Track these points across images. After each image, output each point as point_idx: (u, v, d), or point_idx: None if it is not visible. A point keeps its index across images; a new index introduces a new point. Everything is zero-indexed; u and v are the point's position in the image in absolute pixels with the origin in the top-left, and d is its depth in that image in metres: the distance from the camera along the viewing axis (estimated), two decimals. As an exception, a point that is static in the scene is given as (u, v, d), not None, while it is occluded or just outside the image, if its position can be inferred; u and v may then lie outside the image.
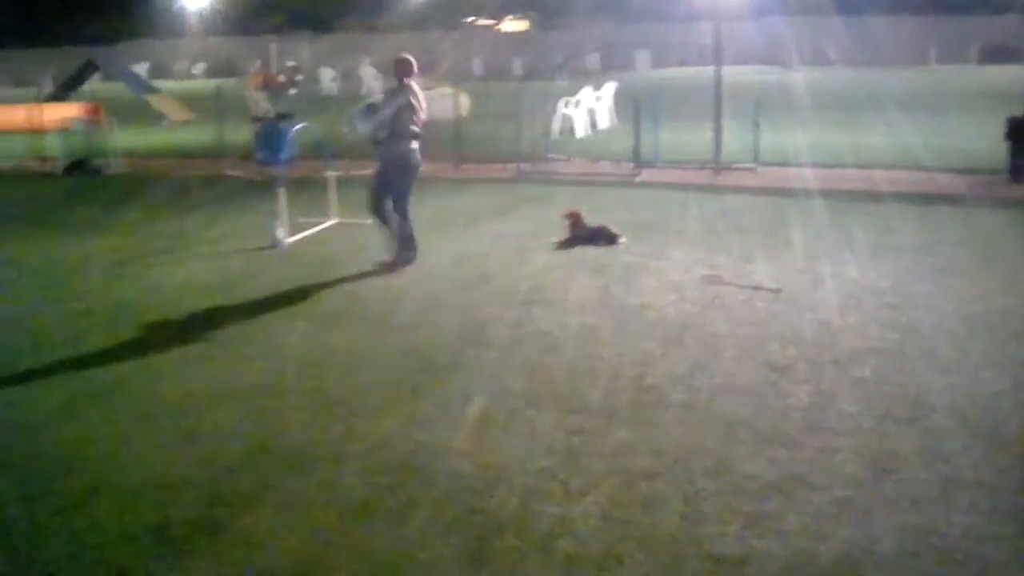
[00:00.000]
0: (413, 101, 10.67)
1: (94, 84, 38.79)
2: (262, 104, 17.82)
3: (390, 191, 10.75)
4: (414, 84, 10.80)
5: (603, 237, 11.52)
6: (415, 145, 10.73)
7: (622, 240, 11.49)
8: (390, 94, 10.84)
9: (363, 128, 10.91)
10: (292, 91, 16.86)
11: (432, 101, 23.50)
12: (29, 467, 5.91)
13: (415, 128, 10.71)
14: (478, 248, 11.58)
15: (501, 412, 6.45)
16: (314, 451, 5.94)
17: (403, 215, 10.79)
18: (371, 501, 5.25)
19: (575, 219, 11.69)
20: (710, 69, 18.69)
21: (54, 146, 22.62)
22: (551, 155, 19.22)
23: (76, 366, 7.80)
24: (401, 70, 10.77)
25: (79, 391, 7.18)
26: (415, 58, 10.91)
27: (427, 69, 50.53)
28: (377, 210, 10.84)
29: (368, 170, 11.34)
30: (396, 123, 10.59)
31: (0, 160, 22.77)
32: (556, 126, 23.09)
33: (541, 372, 7.23)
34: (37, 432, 6.44)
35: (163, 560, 4.74)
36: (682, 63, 53.89)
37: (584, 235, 11.55)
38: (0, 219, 15.13)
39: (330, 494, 5.37)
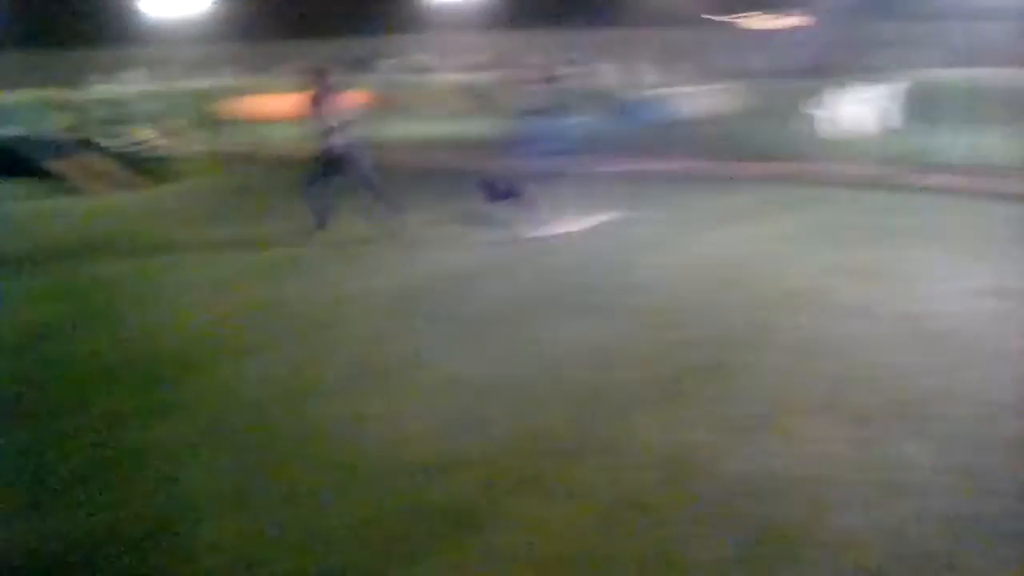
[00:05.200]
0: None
1: (365, 74, 40.18)
2: (530, 98, 17.96)
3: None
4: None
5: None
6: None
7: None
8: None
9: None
10: (561, 86, 16.97)
11: (696, 98, 23.30)
12: (303, 442, 6.13)
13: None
14: (743, 248, 11.33)
15: (771, 417, 6.29)
16: (582, 442, 5.96)
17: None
18: (640, 496, 5.22)
19: None
20: (994, 71, 17.76)
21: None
22: (820, 155, 18.71)
23: (349, 344, 8.12)
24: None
25: (351, 371, 7.44)
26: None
27: (697, 67, 50.10)
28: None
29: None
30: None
31: (276, 146, 23.83)
32: (826, 126, 22.49)
33: (813, 379, 6.99)
34: (311, 407, 6.71)
35: (435, 540, 4.84)
36: (962, 64, 51.64)
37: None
38: (279, 202, 15.80)
39: (598, 486, 5.37)
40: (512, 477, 5.48)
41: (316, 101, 12.41)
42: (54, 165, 18.15)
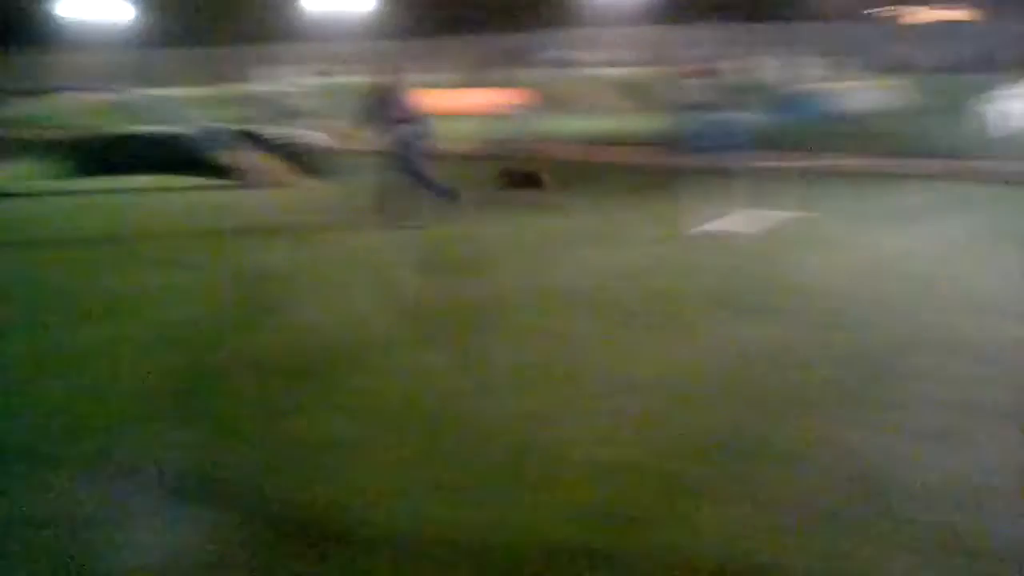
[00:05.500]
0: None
1: (522, 70, 40.36)
2: (692, 93, 17.78)
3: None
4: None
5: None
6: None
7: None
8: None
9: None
10: (723, 80, 16.75)
11: (861, 93, 22.73)
12: (474, 438, 6.10)
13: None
14: (915, 248, 10.95)
15: (951, 424, 5.99)
16: (755, 445, 5.79)
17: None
18: (817, 503, 5.04)
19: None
20: None
21: (489, 130, 23.65)
22: (990, 153, 18.04)
23: (517, 342, 8.08)
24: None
25: (519, 368, 7.39)
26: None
27: (861, 61, 48.95)
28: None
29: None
30: None
31: (451, 143, 24.06)
32: (995, 122, 21.67)
33: (995, 385, 6.65)
34: (480, 404, 6.67)
35: (609, 543, 4.74)
36: None
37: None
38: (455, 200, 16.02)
39: (773, 491, 5.20)
40: (684, 480, 5.36)
41: (389, 97, 12.64)
42: (222, 158, 18.61)
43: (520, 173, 15.03)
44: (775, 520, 4.90)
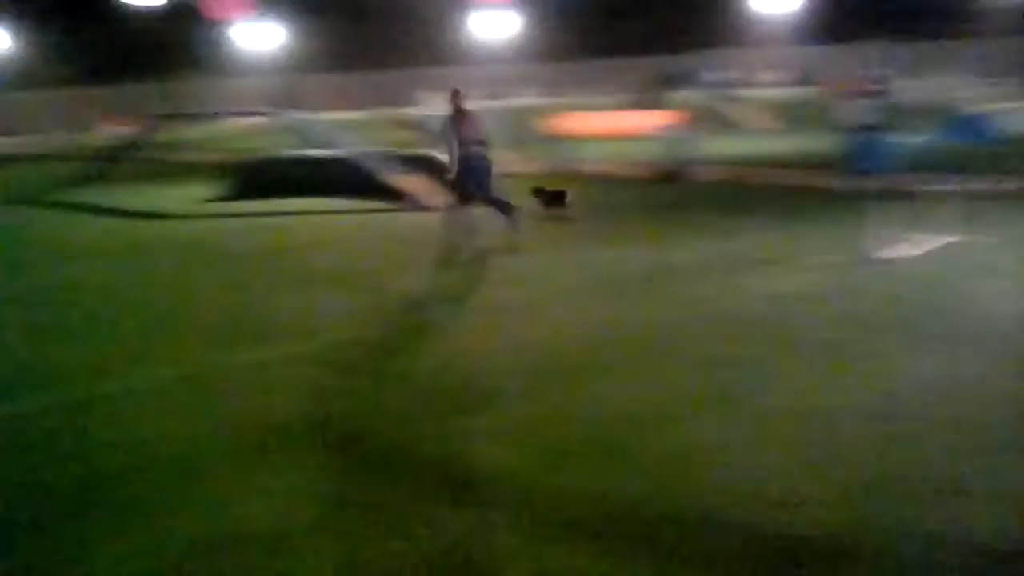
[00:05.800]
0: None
1: (678, 92, 40.08)
2: (853, 114, 17.23)
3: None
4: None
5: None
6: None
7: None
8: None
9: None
10: (887, 100, 16.23)
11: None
12: (649, 468, 5.92)
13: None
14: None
15: None
16: (954, 486, 5.42)
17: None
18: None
19: None
20: None
21: (647, 152, 23.42)
22: None
23: (686, 369, 7.83)
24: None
25: (690, 397, 7.15)
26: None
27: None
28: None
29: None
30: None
31: (605, 164, 23.90)
32: None
33: None
34: (653, 432, 6.47)
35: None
36: None
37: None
38: (612, 219, 15.78)
39: (978, 531, 4.87)
40: (876, 520, 5.07)
41: (455, 120, 13.43)
42: (381, 181, 18.76)
43: (549, 192, 16.17)
44: (949, 561, 4.64)
